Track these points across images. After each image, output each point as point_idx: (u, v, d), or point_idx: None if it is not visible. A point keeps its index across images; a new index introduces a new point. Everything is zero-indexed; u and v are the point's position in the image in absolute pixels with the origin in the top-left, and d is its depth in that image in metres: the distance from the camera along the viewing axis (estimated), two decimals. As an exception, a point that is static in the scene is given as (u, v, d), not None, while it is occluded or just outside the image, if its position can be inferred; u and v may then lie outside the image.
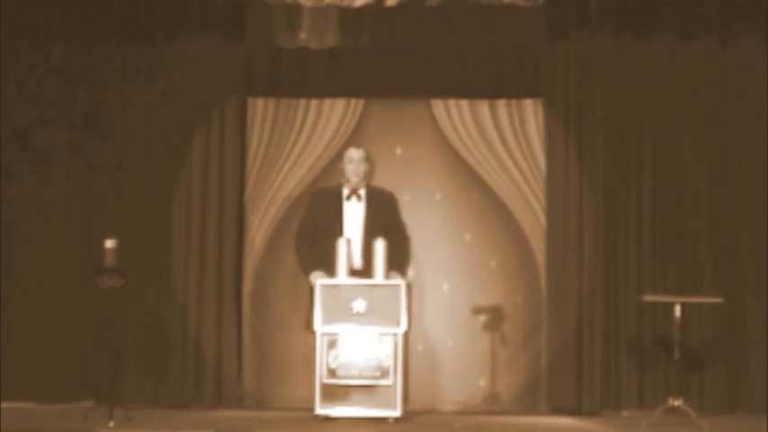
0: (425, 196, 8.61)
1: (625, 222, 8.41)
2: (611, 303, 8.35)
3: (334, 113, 8.77)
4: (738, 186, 8.39)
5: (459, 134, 8.73)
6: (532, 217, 8.65)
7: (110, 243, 7.50)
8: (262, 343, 8.66)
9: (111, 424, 7.31)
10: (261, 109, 8.78)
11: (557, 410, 8.29)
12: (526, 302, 8.62)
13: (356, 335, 7.55)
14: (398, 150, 8.64)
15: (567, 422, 7.94)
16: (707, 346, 8.29)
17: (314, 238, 7.96)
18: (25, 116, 8.54)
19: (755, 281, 8.30)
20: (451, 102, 8.74)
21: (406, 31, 8.53)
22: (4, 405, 8.08)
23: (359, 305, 7.55)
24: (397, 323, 7.54)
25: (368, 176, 8.13)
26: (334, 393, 7.55)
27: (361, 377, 7.55)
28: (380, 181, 8.32)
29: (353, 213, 7.94)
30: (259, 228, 8.72)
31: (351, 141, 8.67)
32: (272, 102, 8.79)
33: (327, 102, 8.77)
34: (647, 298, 7.96)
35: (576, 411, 8.22)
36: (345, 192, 7.99)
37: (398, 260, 7.87)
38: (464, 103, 8.73)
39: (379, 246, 7.66)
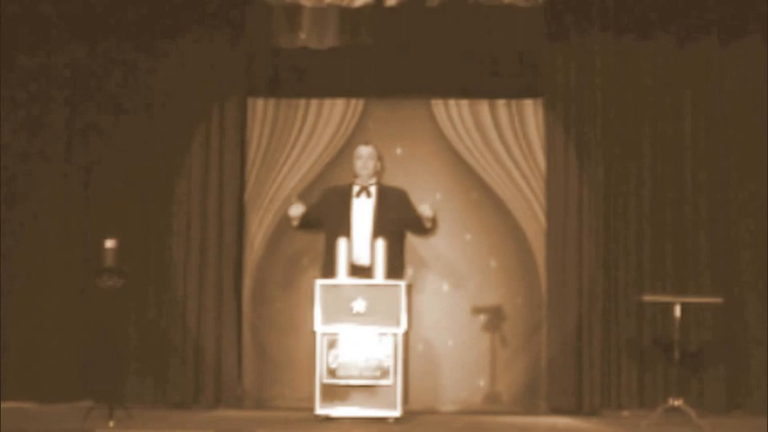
0: (425, 196, 8.60)
1: (625, 222, 8.41)
2: (611, 303, 8.35)
3: (334, 113, 8.77)
4: (738, 186, 8.39)
5: (459, 134, 8.74)
6: (532, 217, 8.65)
7: (110, 243, 7.50)
8: (262, 343, 8.66)
9: (111, 424, 7.31)
10: (261, 109, 8.78)
11: (556, 410, 8.29)
12: (526, 302, 8.62)
13: (356, 335, 7.56)
14: (398, 150, 8.64)
15: (566, 422, 7.94)
16: (707, 346, 8.29)
17: (311, 224, 8.08)
18: (25, 116, 8.54)
19: (755, 281, 8.31)
20: (451, 102, 8.75)
21: (406, 31, 8.53)
22: (4, 405, 8.08)
23: (359, 305, 7.55)
24: (397, 323, 7.55)
25: (378, 174, 8.16)
26: (335, 393, 7.55)
27: (361, 377, 7.55)
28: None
29: (363, 210, 7.97)
30: (259, 228, 8.72)
31: (351, 141, 8.68)
32: (272, 102, 8.79)
33: (327, 102, 8.77)
34: (647, 298, 7.96)
35: (575, 411, 8.22)
36: (355, 189, 8.02)
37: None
38: (464, 103, 8.74)
39: (380, 246, 7.66)
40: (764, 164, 8.34)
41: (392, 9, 8.41)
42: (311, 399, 7.64)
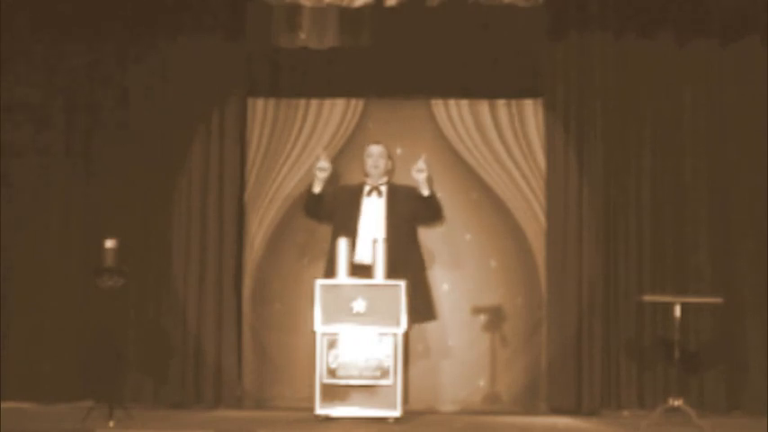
0: (425, 196, 8.60)
1: (625, 222, 8.41)
2: (611, 303, 8.35)
3: (334, 113, 8.77)
4: (738, 186, 8.39)
5: (459, 134, 8.74)
6: (532, 217, 8.65)
7: (110, 243, 7.50)
8: (262, 343, 8.66)
9: (111, 424, 7.32)
10: (261, 109, 8.78)
11: (556, 410, 8.29)
12: (526, 302, 8.62)
13: (356, 335, 7.56)
14: (398, 150, 8.64)
15: (566, 422, 7.94)
16: (707, 346, 8.29)
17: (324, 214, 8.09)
18: (25, 116, 8.54)
19: (755, 281, 8.30)
20: (451, 102, 8.75)
21: (406, 31, 8.53)
22: (4, 405, 8.08)
23: (359, 305, 7.56)
24: (397, 323, 7.55)
25: (389, 173, 8.16)
26: (335, 393, 7.55)
27: (361, 377, 7.55)
28: (380, 181, 8.35)
29: (373, 209, 7.98)
30: (259, 228, 8.72)
31: (351, 141, 8.69)
32: (272, 102, 8.79)
33: (327, 102, 8.77)
34: (647, 298, 7.95)
35: (575, 411, 8.22)
36: (366, 188, 8.03)
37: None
38: (464, 103, 8.74)
39: (379, 246, 7.66)
40: (764, 164, 8.33)
41: (392, 9, 8.41)
42: (311, 399, 7.65)
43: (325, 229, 8.33)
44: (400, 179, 8.39)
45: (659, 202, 8.41)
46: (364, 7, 8.46)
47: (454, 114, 8.75)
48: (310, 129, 8.76)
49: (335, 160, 8.65)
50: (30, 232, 8.50)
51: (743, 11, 8.40)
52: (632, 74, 8.45)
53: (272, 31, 8.65)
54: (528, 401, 8.54)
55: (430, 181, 8.04)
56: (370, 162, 8.13)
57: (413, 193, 8.10)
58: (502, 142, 8.71)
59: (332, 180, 8.31)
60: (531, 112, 8.70)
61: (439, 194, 8.54)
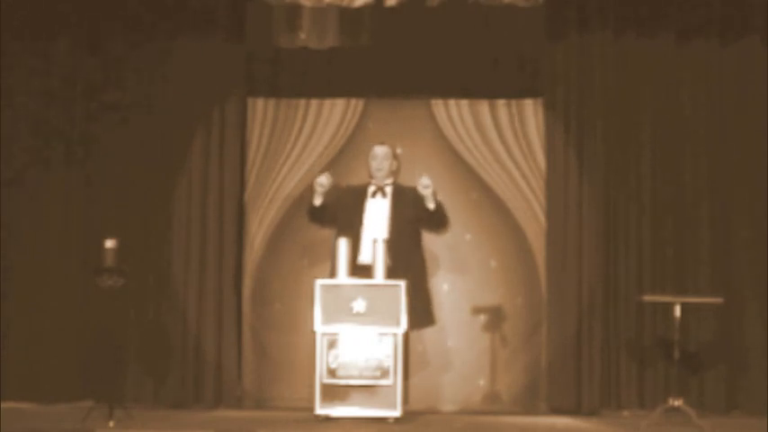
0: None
1: (625, 222, 8.41)
2: (611, 303, 8.35)
3: (334, 113, 8.77)
4: (738, 186, 8.39)
5: (459, 134, 8.74)
6: (532, 217, 8.65)
7: (110, 243, 7.50)
8: (262, 343, 8.66)
9: (111, 424, 7.32)
10: (261, 109, 8.79)
11: (556, 410, 8.29)
12: (526, 302, 8.62)
13: (356, 335, 7.56)
14: (398, 150, 8.64)
15: (566, 422, 7.94)
16: (706, 346, 8.29)
17: (330, 219, 8.03)
18: (25, 116, 8.54)
19: (755, 281, 8.30)
20: (451, 102, 8.75)
21: (406, 31, 8.54)
22: (4, 405, 8.08)
23: (359, 305, 7.55)
24: (397, 323, 7.55)
25: (395, 174, 8.14)
26: (334, 393, 7.55)
27: (361, 377, 7.55)
28: (380, 181, 8.34)
29: (377, 210, 7.95)
30: (259, 228, 8.72)
31: (351, 141, 8.70)
32: (272, 102, 8.79)
33: (327, 102, 8.77)
34: (647, 298, 7.95)
35: (575, 411, 8.22)
36: (371, 189, 8.01)
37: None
38: (464, 103, 8.74)
39: (379, 246, 7.66)
40: (764, 164, 8.34)
41: (392, 9, 8.41)
42: (311, 399, 7.64)
43: (326, 230, 8.32)
44: (400, 179, 8.39)
45: (659, 202, 8.41)
46: (364, 7, 8.46)
47: (454, 114, 8.75)
48: (310, 129, 8.76)
49: (335, 160, 8.66)
50: (30, 232, 8.50)
51: (743, 11, 8.40)
52: (632, 74, 8.45)
53: (272, 31, 8.65)
54: (528, 401, 8.54)
55: (435, 194, 7.98)
56: (374, 165, 8.08)
57: (419, 199, 7.99)
58: (502, 142, 8.71)
59: (334, 181, 8.30)
60: (531, 112, 8.70)
61: (439, 195, 8.53)
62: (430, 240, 8.53)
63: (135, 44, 8.55)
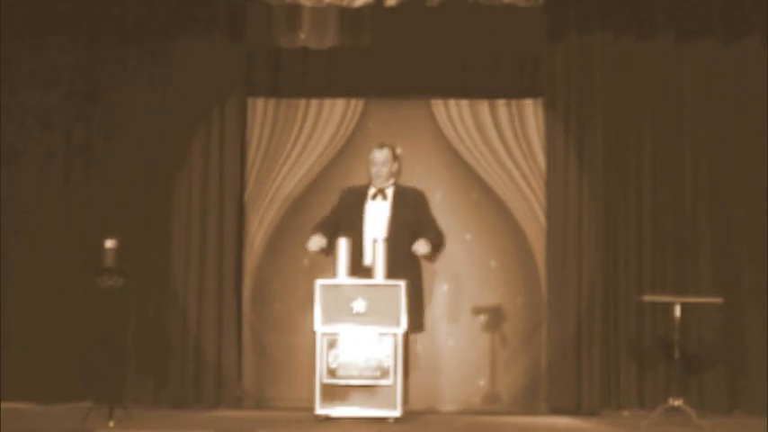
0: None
1: (625, 222, 8.41)
2: (611, 303, 8.35)
3: (334, 113, 8.77)
4: (738, 187, 8.39)
5: (459, 134, 8.74)
6: (532, 217, 8.65)
7: (110, 243, 7.49)
8: (262, 343, 8.66)
9: (111, 424, 7.31)
10: (261, 109, 8.79)
11: (556, 410, 8.29)
12: (526, 302, 8.62)
13: (356, 335, 7.55)
14: (398, 150, 8.63)
15: (566, 422, 7.94)
16: (707, 346, 8.29)
17: (335, 235, 7.84)
18: (26, 116, 8.54)
19: (755, 281, 8.30)
20: (451, 102, 8.75)
21: (406, 31, 8.54)
22: (4, 405, 8.08)
23: (359, 305, 7.55)
24: (397, 323, 7.54)
25: (396, 175, 8.03)
26: (335, 393, 7.54)
27: (361, 377, 7.54)
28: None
29: (378, 212, 7.91)
30: (259, 228, 8.72)
31: (351, 141, 8.70)
32: (272, 102, 8.79)
33: (327, 102, 8.77)
34: (647, 298, 7.95)
35: (575, 411, 8.22)
36: (371, 191, 7.98)
37: (432, 239, 7.75)
38: (464, 103, 8.74)
39: (379, 245, 7.65)
40: (764, 163, 8.34)
41: (392, 9, 8.42)
42: (311, 399, 7.63)
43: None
44: (400, 179, 8.39)
45: (659, 202, 8.41)
46: (364, 7, 8.46)
47: (454, 114, 8.75)
48: (310, 129, 8.76)
49: (335, 160, 8.66)
50: (30, 232, 8.50)
51: (743, 11, 8.40)
52: (632, 74, 8.45)
53: (272, 31, 8.66)
54: (528, 401, 8.54)
55: (430, 245, 7.83)
56: (373, 170, 7.95)
57: (420, 202, 7.92)
58: (502, 142, 8.71)
59: (335, 182, 8.30)
60: (531, 112, 8.70)
61: (439, 195, 8.55)
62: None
63: (135, 44, 8.55)
